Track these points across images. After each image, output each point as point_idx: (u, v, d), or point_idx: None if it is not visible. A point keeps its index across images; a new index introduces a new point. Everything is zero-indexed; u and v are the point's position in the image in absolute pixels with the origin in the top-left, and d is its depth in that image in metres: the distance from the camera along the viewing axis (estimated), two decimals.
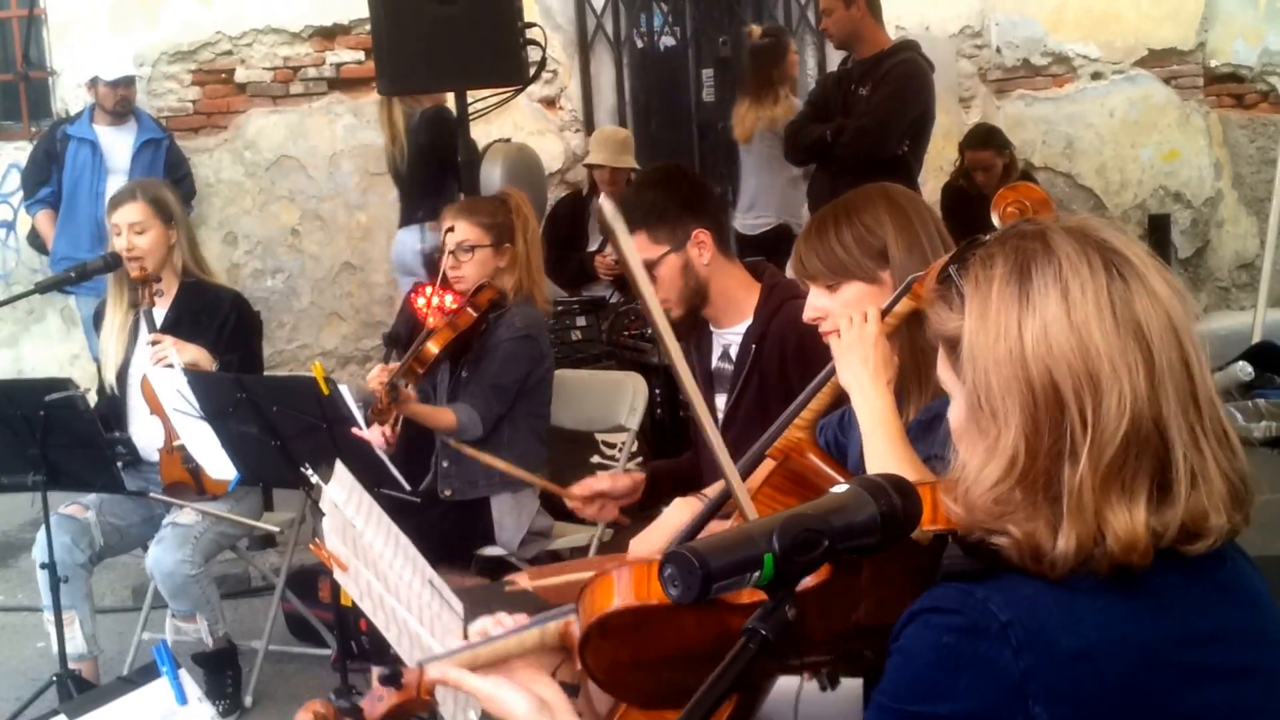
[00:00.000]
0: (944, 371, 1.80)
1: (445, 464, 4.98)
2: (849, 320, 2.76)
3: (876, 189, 3.07)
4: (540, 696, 1.93)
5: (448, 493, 4.91)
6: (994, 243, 1.75)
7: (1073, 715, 1.60)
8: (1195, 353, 1.68)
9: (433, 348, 4.74)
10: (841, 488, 1.61)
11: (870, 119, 7.19)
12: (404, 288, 7.38)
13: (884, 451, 2.64)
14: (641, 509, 4.10)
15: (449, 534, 4.85)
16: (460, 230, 4.92)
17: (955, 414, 1.78)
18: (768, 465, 3.03)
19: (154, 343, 4.87)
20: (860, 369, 2.71)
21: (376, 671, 2.03)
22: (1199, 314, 1.74)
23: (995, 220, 2.71)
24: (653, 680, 1.96)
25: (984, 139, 8.67)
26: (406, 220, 7.56)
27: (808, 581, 1.67)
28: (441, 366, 5.03)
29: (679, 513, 3.51)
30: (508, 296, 4.96)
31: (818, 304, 2.98)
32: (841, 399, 2.82)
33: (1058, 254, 1.69)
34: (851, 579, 1.75)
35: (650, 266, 3.97)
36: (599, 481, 3.98)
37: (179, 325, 5.03)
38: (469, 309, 4.83)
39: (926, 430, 2.64)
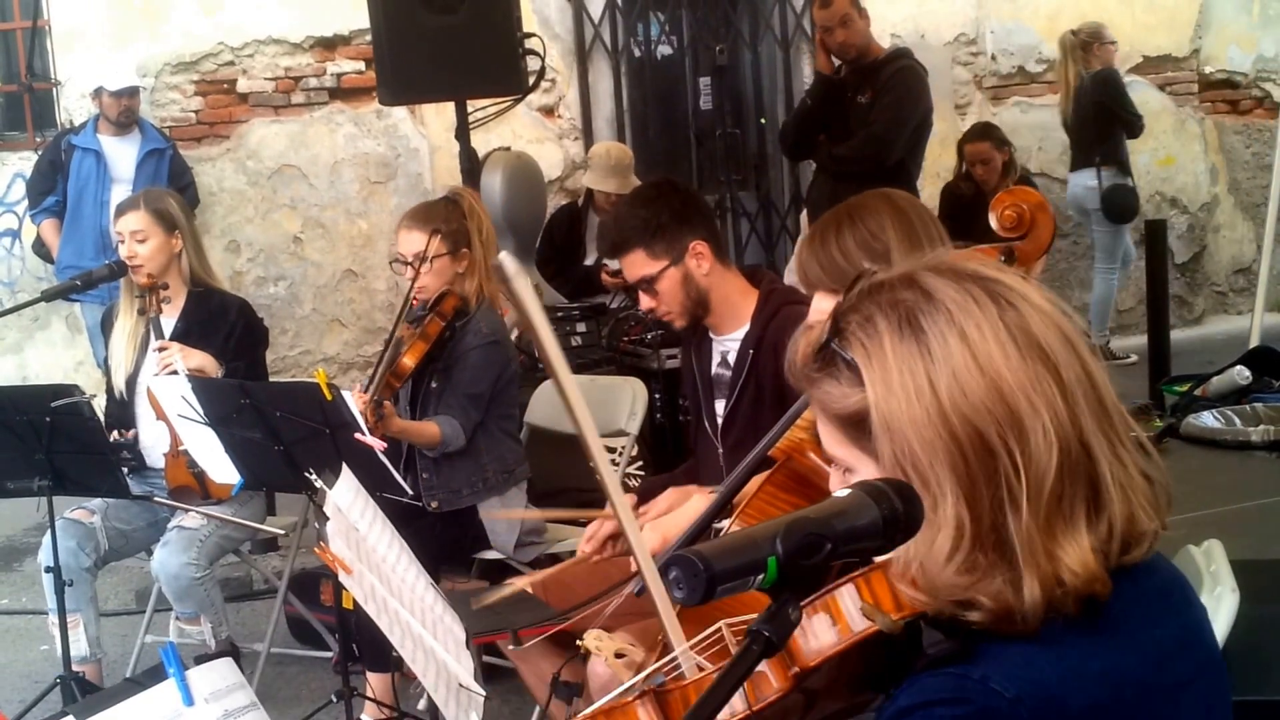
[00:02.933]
0: (841, 450, 1.72)
1: (425, 475, 4.90)
2: None
3: (878, 194, 3.08)
4: None
5: (434, 504, 4.85)
6: (863, 303, 1.67)
7: None
8: (1092, 361, 1.64)
9: (408, 361, 4.69)
10: (844, 491, 1.57)
11: (880, 125, 7.25)
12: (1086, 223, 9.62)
13: None
14: None
15: (447, 539, 4.85)
16: (415, 240, 4.80)
17: None
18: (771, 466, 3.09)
19: (161, 349, 4.89)
20: None
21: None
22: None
23: (993, 223, 2.72)
24: None
25: (982, 133, 8.73)
26: (1079, 165, 9.76)
27: (767, 696, 1.65)
28: None
29: (698, 504, 3.53)
30: (470, 302, 4.87)
31: (821, 308, 2.95)
32: None
33: (939, 298, 1.62)
34: (813, 693, 1.69)
35: (651, 281, 4.02)
36: (601, 529, 3.99)
37: (188, 333, 5.05)
38: (436, 318, 4.77)
39: None
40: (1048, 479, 1.57)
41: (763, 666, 1.66)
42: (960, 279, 1.64)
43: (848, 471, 1.72)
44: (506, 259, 2.10)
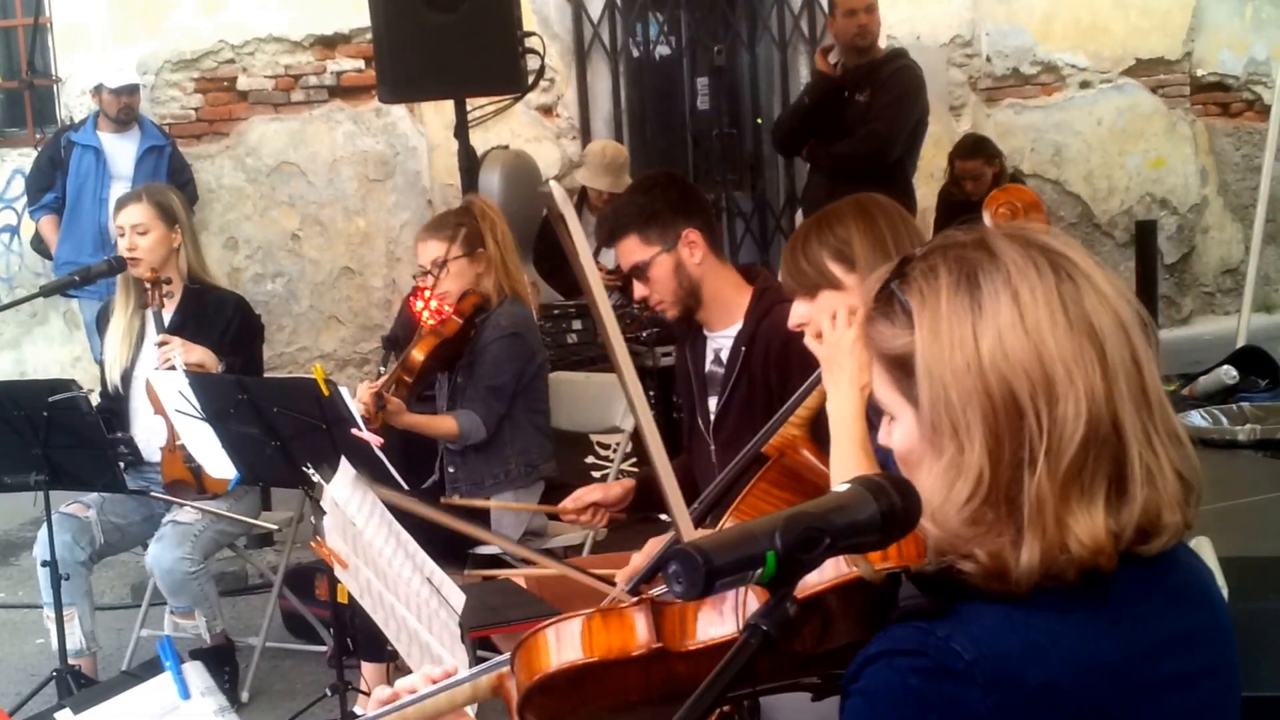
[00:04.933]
0: (885, 392, 1.74)
1: (451, 469, 5.00)
2: (831, 320, 2.81)
3: (851, 201, 3.10)
4: None
5: (456, 497, 4.89)
6: (932, 254, 1.69)
7: None
8: (1144, 350, 1.65)
9: (418, 355, 4.78)
10: (842, 486, 1.58)
11: (881, 123, 7.29)
12: None
13: (846, 458, 2.70)
14: (632, 514, 4.18)
15: (446, 533, 4.87)
16: (431, 249, 4.95)
17: (902, 435, 1.72)
18: (764, 462, 3.11)
19: (162, 344, 4.90)
20: (838, 373, 2.76)
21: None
22: (1144, 315, 1.73)
23: (987, 220, 2.75)
24: None
25: (973, 149, 8.73)
26: None
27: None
28: (438, 376, 5.08)
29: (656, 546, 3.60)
30: (491, 299, 4.97)
31: (800, 312, 3.00)
32: None
33: (1004, 259, 1.64)
34: (809, 619, 1.70)
35: (643, 268, 4.04)
36: (590, 493, 4.03)
37: (184, 328, 5.06)
38: (454, 316, 4.87)
39: None
40: (1070, 447, 1.58)
41: (752, 598, 1.70)
42: (1028, 246, 1.66)
43: (891, 420, 1.74)
44: (555, 187, 2.16)
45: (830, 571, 1.66)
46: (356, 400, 4.60)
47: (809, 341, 2.91)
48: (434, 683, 1.93)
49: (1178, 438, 1.66)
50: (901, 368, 1.68)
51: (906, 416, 1.70)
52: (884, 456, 2.53)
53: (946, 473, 1.63)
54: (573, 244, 2.22)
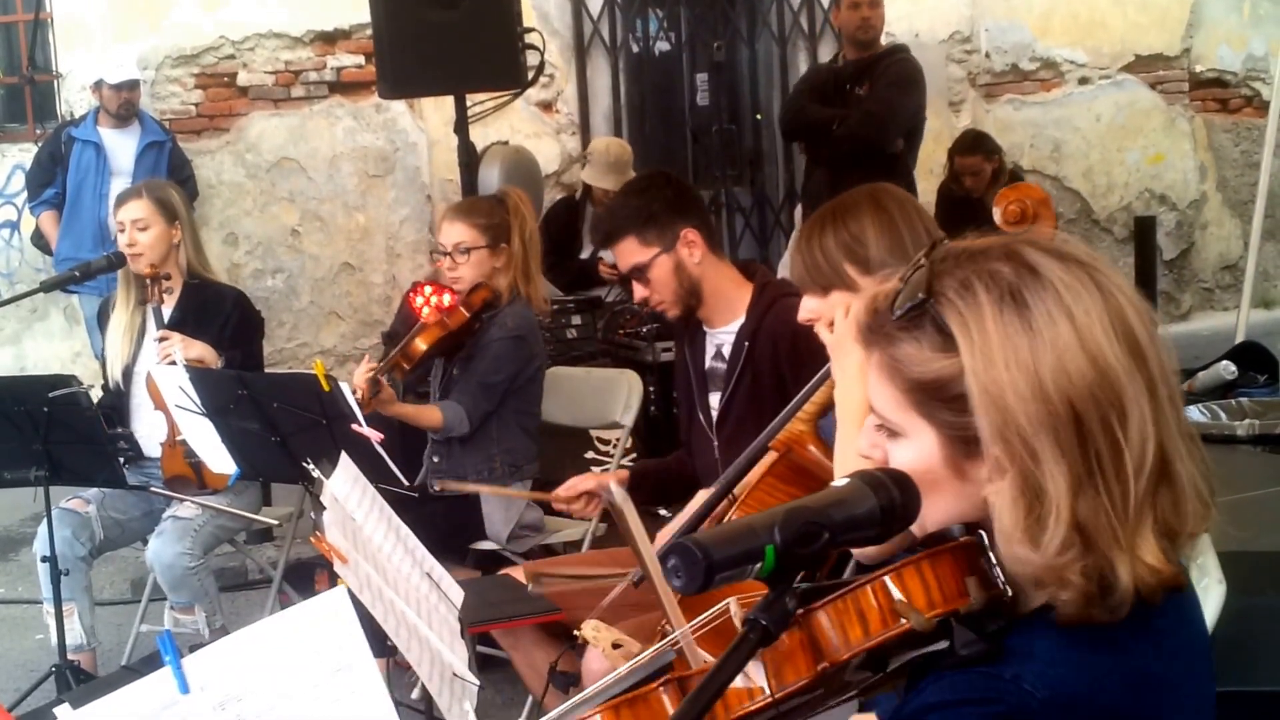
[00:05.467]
0: (895, 412, 1.68)
1: (435, 459, 5.01)
2: (844, 312, 2.76)
3: (864, 193, 3.04)
4: None
5: (438, 487, 4.91)
6: (959, 267, 1.64)
7: None
8: (1170, 360, 1.63)
9: (421, 344, 4.77)
10: (841, 480, 1.58)
11: (876, 105, 7.30)
12: None
13: (852, 448, 2.70)
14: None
15: (443, 528, 4.87)
16: (457, 231, 4.91)
17: (917, 457, 1.66)
18: (771, 457, 3.11)
19: (162, 339, 4.90)
20: (848, 361, 2.72)
21: None
22: (1179, 309, 1.68)
23: (996, 217, 2.71)
24: None
25: (972, 145, 8.75)
26: None
27: (789, 685, 1.63)
28: (435, 364, 5.08)
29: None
30: (502, 297, 4.95)
31: (810, 307, 2.97)
32: None
33: (1047, 276, 1.60)
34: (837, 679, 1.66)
35: (643, 269, 4.04)
36: (584, 481, 4.04)
37: (184, 324, 5.06)
38: (462, 308, 4.85)
39: None
40: (1144, 469, 1.56)
41: (791, 651, 1.63)
42: (1065, 260, 1.62)
43: (894, 436, 1.69)
44: (615, 489, 2.20)
45: (879, 627, 1.60)
46: (354, 379, 4.64)
47: (820, 330, 2.88)
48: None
49: (1195, 443, 1.64)
50: (929, 393, 1.63)
51: (923, 438, 1.65)
52: None
53: (1019, 502, 1.57)
54: (633, 539, 2.25)
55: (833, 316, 2.88)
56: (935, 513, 1.65)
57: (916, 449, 1.65)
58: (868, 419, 1.75)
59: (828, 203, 3.07)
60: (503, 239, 4.95)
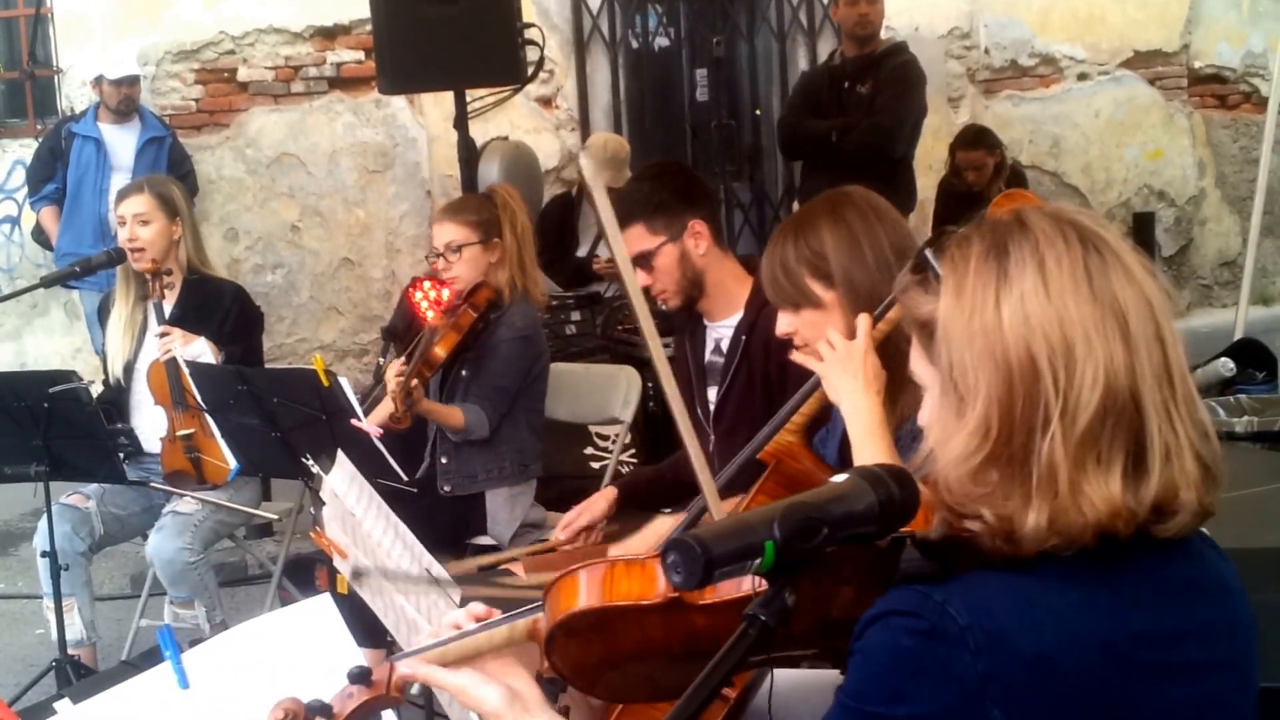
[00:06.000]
0: (917, 364, 1.78)
1: (444, 460, 4.97)
2: (828, 345, 2.76)
3: (823, 202, 3.05)
4: (512, 688, 1.93)
5: (447, 488, 4.92)
6: (970, 228, 1.74)
7: (1032, 718, 1.59)
8: (1170, 332, 1.66)
9: (440, 351, 4.74)
10: (841, 478, 1.61)
11: (886, 117, 7.31)
12: None
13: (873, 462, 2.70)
14: (620, 518, 4.18)
15: (443, 524, 4.86)
16: (447, 231, 4.89)
17: (928, 404, 1.76)
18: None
19: (163, 334, 4.92)
20: (850, 382, 2.71)
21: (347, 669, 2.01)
22: (1177, 306, 1.71)
23: None
24: (619, 677, 1.97)
25: (975, 139, 8.75)
26: None
27: None
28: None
29: (665, 524, 3.61)
30: (504, 294, 4.94)
31: (785, 322, 3.00)
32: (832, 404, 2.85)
33: (1034, 230, 1.67)
34: (816, 583, 1.70)
35: (648, 257, 4.04)
36: (578, 518, 4.04)
37: (184, 319, 5.06)
38: (469, 309, 4.83)
39: (916, 439, 2.69)
40: (1086, 413, 1.59)
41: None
42: (1059, 220, 1.69)
43: (927, 394, 1.78)
44: (585, 161, 2.20)
45: None
46: (388, 384, 4.64)
47: (799, 357, 2.90)
48: (477, 621, 1.99)
49: (1201, 424, 1.67)
50: (925, 332, 1.74)
51: (933, 384, 1.74)
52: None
53: (956, 430, 1.65)
54: (599, 213, 2.26)
55: (809, 336, 2.90)
56: (942, 456, 1.71)
57: (932, 398, 1.75)
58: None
59: (789, 216, 3.08)
60: (494, 234, 4.94)
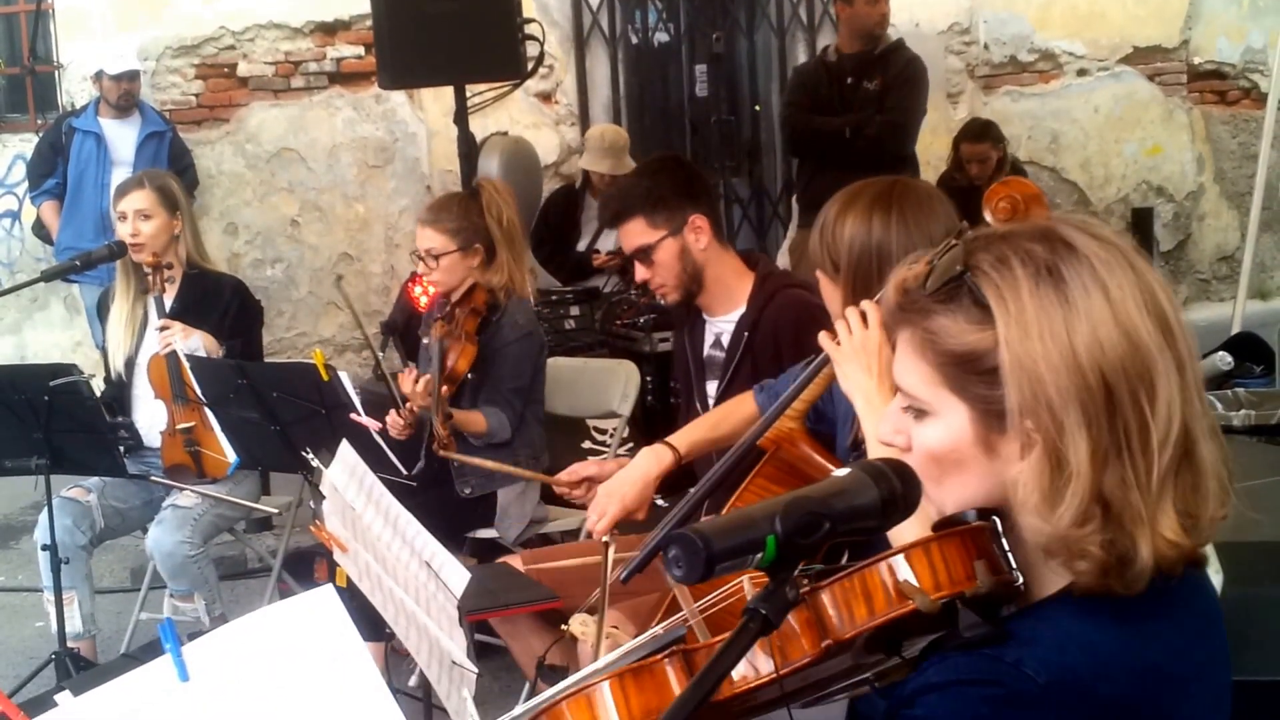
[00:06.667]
0: (925, 389, 1.68)
1: (455, 462, 4.96)
2: (846, 327, 2.70)
3: (885, 185, 3.00)
4: None
5: (468, 490, 4.90)
6: (993, 243, 1.65)
7: None
8: (1193, 344, 1.64)
9: (462, 365, 4.75)
10: (842, 471, 1.59)
11: (900, 114, 7.35)
12: None
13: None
14: None
15: (444, 518, 4.87)
16: (427, 237, 4.87)
17: (945, 434, 1.67)
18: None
19: (163, 328, 4.93)
20: (864, 378, 2.65)
21: None
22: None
23: (987, 215, 2.73)
24: None
25: (980, 133, 8.78)
26: None
27: (795, 661, 1.63)
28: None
29: (645, 459, 3.57)
30: (498, 293, 4.91)
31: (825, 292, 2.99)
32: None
33: (1083, 251, 1.61)
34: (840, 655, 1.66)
35: (648, 251, 4.05)
36: (586, 467, 3.97)
37: (184, 313, 5.08)
38: (470, 315, 4.82)
39: None
40: (1168, 444, 1.56)
41: (797, 629, 1.63)
42: (1099, 238, 1.63)
43: (921, 416, 1.69)
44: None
45: (884, 607, 1.60)
46: (415, 399, 4.63)
47: (825, 341, 2.81)
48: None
49: (1216, 430, 1.65)
50: (962, 366, 1.64)
51: (953, 415, 1.66)
52: None
53: (1042, 472, 1.58)
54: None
55: (835, 317, 2.84)
56: (957, 493, 1.67)
57: (946, 427, 1.66)
58: (891, 404, 1.76)
59: (847, 188, 3.00)
60: (474, 239, 4.89)
